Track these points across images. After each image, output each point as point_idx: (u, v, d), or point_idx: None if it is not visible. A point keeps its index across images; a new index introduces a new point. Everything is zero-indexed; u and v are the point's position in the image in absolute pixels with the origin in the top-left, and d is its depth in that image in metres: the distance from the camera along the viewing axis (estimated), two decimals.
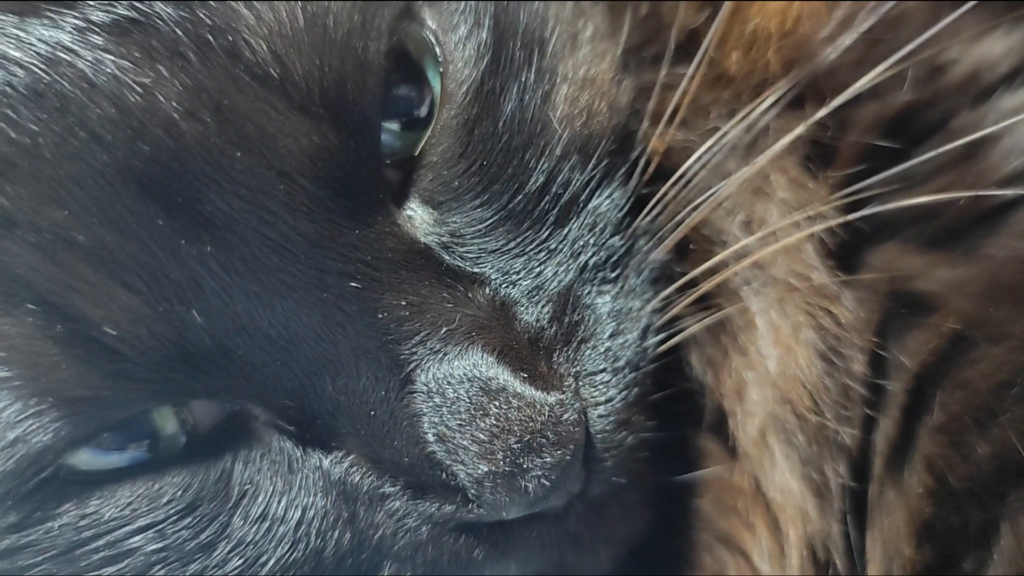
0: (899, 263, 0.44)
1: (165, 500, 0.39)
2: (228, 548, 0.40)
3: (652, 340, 0.44)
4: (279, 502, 0.40)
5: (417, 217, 0.41)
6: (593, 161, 0.44)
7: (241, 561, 0.40)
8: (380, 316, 0.39)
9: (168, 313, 0.36)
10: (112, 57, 0.34)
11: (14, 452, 0.36)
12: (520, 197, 0.42)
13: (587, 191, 0.44)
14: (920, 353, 0.43)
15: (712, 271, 0.44)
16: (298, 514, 0.40)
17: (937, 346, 0.42)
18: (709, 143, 0.44)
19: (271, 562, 0.40)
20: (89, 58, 0.34)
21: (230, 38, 0.35)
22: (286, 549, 0.40)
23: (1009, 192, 0.42)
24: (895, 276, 0.44)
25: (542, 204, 0.43)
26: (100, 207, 0.35)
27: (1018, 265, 0.42)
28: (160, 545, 0.39)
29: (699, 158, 0.44)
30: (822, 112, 0.43)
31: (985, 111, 0.44)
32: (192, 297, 0.36)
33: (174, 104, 0.35)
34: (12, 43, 0.34)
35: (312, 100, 0.36)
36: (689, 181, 0.44)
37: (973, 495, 0.40)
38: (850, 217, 0.43)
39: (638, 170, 0.45)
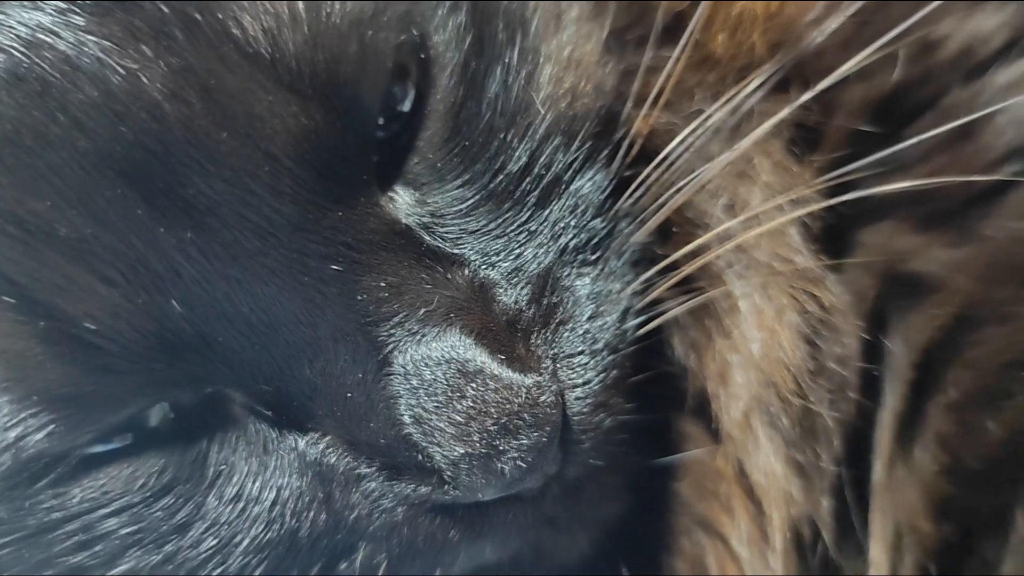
0: (893, 243, 0.44)
1: (140, 483, 0.39)
2: (202, 529, 0.40)
3: (632, 323, 0.44)
4: (254, 482, 0.40)
5: (399, 198, 0.41)
6: (576, 143, 0.43)
7: (215, 541, 0.40)
8: (359, 298, 0.38)
9: (147, 304, 0.36)
10: (94, 38, 0.34)
11: (6, 459, 0.36)
12: (502, 177, 0.42)
13: (569, 172, 0.43)
14: (927, 329, 0.42)
15: (694, 254, 0.44)
16: (273, 494, 0.40)
17: (944, 324, 0.42)
18: (693, 126, 0.44)
19: (245, 542, 0.40)
20: (71, 40, 0.34)
21: (219, 15, 0.35)
22: (260, 529, 0.40)
23: (997, 177, 0.42)
24: (890, 256, 0.43)
25: (523, 185, 0.42)
26: (80, 198, 0.34)
27: (1018, 246, 0.41)
28: (135, 528, 0.39)
29: (682, 140, 0.44)
30: (806, 96, 0.43)
31: (979, 87, 0.43)
32: (171, 286, 0.36)
33: (159, 85, 0.34)
34: None
35: (303, 80, 0.36)
36: (672, 163, 0.44)
37: (987, 477, 0.40)
38: (833, 201, 0.43)
39: (621, 152, 0.45)
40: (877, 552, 0.43)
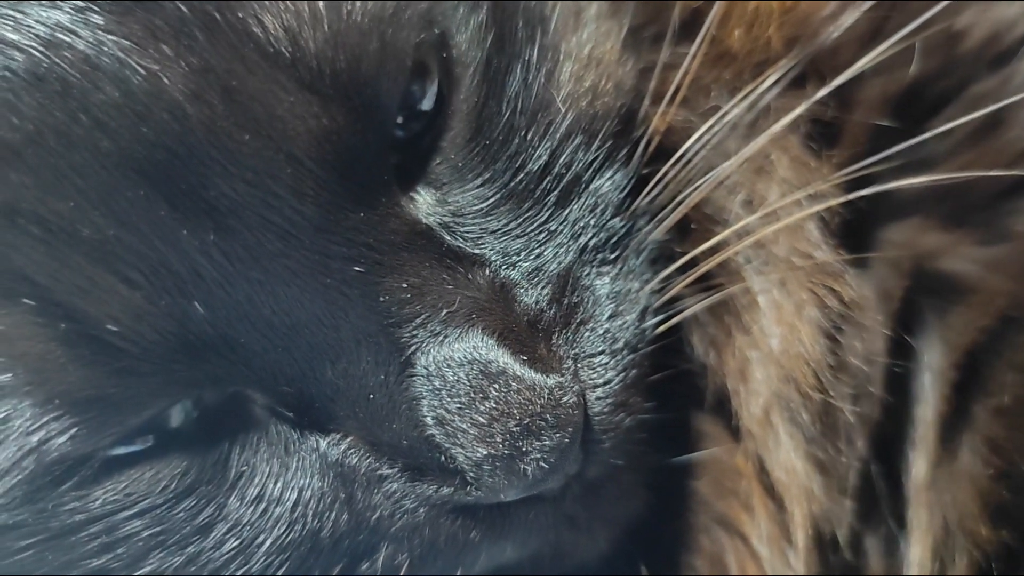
0: (920, 241, 0.43)
1: (163, 485, 0.38)
2: (224, 530, 0.39)
3: (651, 321, 0.44)
4: (275, 484, 0.40)
5: (420, 199, 0.40)
6: (597, 142, 0.43)
7: (237, 542, 0.39)
8: (381, 299, 0.38)
9: (169, 306, 0.36)
10: (114, 37, 0.33)
11: (29, 463, 0.36)
12: (522, 176, 0.42)
13: (590, 172, 0.43)
14: (969, 331, 0.42)
15: (713, 250, 0.44)
16: (294, 495, 0.40)
17: (987, 325, 0.42)
18: (710, 122, 0.44)
19: (267, 543, 0.40)
20: (90, 39, 0.33)
21: (240, 14, 0.34)
22: (282, 530, 0.40)
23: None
24: (918, 254, 0.43)
25: (544, 184, 0.42)
26: (103, 199, 0.34)
27: None
28: (157, 529, 0.38)
29: (700, 137, 0.44)
30: (823, 91, 0.43)
31: (1006, 75, 0.43)
32: (193, 288, 0.36)
33: (180, 86, 0.34)
34: (9, 25, 0.33)
35: (323, 80, 0.35)
36: (690, 161, 0.44)
37: None
38: (852, 196, 0.42)
39: (639, 151, 0.44)
40: (919, 551, 0.43)
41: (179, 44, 0.34)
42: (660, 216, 0.44)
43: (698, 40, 0.44)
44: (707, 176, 0.43)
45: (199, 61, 0.34)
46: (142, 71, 0.33)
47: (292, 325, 0.37)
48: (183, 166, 0.34)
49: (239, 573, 0.40)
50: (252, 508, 0.40)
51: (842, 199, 0.43)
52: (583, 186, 0.43)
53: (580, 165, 0.43)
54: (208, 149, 0.34)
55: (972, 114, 0.41)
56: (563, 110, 0.42)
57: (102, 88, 0.33)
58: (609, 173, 0.43)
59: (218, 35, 0.34)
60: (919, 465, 0.43)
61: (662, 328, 0.44)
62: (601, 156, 0.43)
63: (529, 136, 0.41)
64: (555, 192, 0.42)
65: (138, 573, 0.39)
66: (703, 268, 0.44)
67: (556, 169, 0.42)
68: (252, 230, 0.36)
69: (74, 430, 0.36)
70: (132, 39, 0.34)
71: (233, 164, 0.35)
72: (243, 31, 0.35)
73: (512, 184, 0.41)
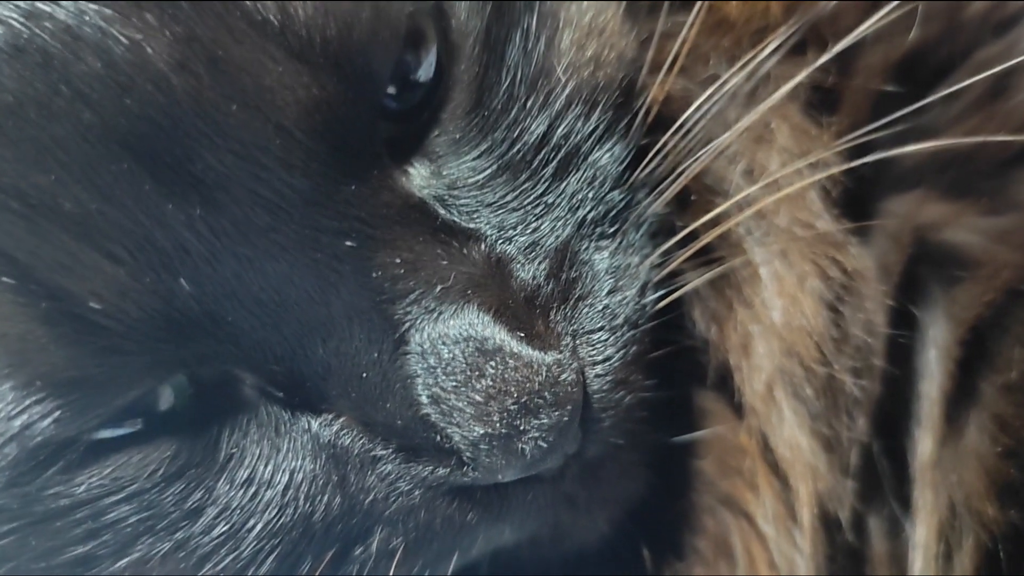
0: (923, 211, 0.42)
1: (151, 469, 0.37)
2: (214, 514, 0.38)
3: (651, 296, 0.43)
4: (266, 466, 0.39)
5: (414, 171, 0.40)
6: (597, 113, 0.42)
7: (227, 527, 0.38)
8: (374, 275, 0.37)
9: (155, 283, 0.35)
10: (95, 6, 0.32)
11: (12, 450, 0.35)
12: (519, 147, 0.40)
13: (589, 143, 0.42)
14: (974, 305, 0.41)
15: (713, 223, 0.43)
16: (286, 478, 0.39)
17: (992, 299, 0.41)
18: (709, 91, 0.43)
19: (258, 527, 0.39)
20: (71, 8, 0.32)
21: None
22: (273, 514, 0.39)
23: None
24: (919, 225, 0.42)
25: (541, 156, 0.41)
26: (85, 172, 0.33)
27: None
28: (145, 515, 0.38)
29: (699, 106, 0.43)
30: (823, 58, 0.42)
31: (1012, 38, 0.42)
32: (179, 264, 0.35)
33: (165, 56, 0.33)
34: None
35: (313, 49, 0.34)
36: (689, 130, 0.43)
37: None
38: (854, 163, 0.41)
39: (637, 121, 0.43)
40: (924, 532, 0.42)
41: (163, 13, 0.33)
42: (660, 188, 0.43)
43: (696, 8, 0.43)
44: (707, 146, 0.42)
45: (184, 30, 0.33)
46: (125, 41, 0.32)
47: (281, 302, 0.36)
48: (168, 138, 0.33)
49: (229, 558, 0.39)
50: (242, 491, 0.39)
51: (843, 167, 0.42)
52: (582, 158, 0.42)
53: (579, 136, 0.42)
54: (194, 120, 0.33)
55: (976, 76, 0.40)
56: (563, 79, 0.41)
57: (84, 59, 0.32)
58: (608, 145, 0.42)
59: (204, 4, 0.33)
60: (924, 444, 0.42)
61: (663, 303, 0.43)
62: (601, 127, 0.42)
63: (528, 105, 0.40)
64: (553, 164, 0.41)
65: (124, 560, 0.38)
66: (704, 240, 0.43)
67: (554, 140, 0.41)
68: (240, 204, 0.35)
69: (58, 413, 0.35)
70: (114, 8, 0.32)
71: (220, 136, 0.34)
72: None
73: (509, 156, 0.40)
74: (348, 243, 0.37)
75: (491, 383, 0.38)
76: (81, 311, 0.34)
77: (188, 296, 0.35)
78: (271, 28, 0.34)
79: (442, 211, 0.40)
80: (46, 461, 0.36)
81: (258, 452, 0.39)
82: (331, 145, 0.36)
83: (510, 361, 0.38)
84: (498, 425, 0.37)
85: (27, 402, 0.34)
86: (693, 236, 0.43)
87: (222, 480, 0.38)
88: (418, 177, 0.39)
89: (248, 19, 0.34)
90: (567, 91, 0.41)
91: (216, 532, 0.38)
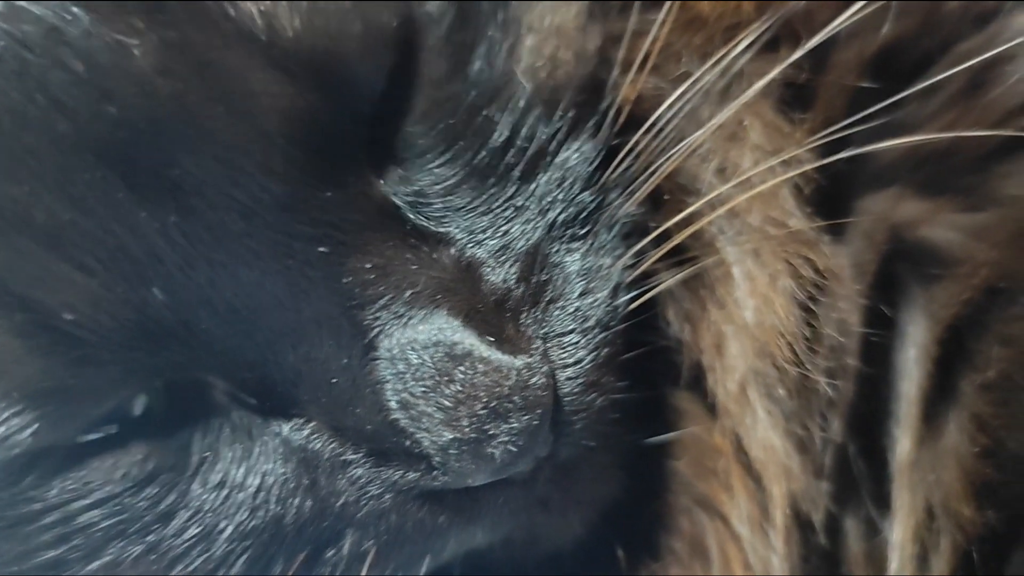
0: (898, 209, 0.42)
1: (122, 473, 0.38)
2: (186, 517, 0.38)
3: (623, 298, 0.42)
4: (238, 469, 0.39)
5: (385, 178, 0.40)
6: (559, 112, 0.42)
7: (199, 529, 0.39)
8: (344, 281, 0.37)
9: (128, 293, 0.35)
10: (81, 7, 0.32)
11: None
12: (484, 153, 0.40)
13: (554, 144, 0.42)
14: (952, 304, 0.41)
15: (686, 222, 0.42)
16: (257, 481, 0.39)
17: (970, 297, 0.41)
18: (681, 89, 0.42)
19: (230, 529, 0.39)
20: (57, 8, 0.32)
21: None
22: (245, 516, 0.39)
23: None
24: (896, 223, 0.42)
25: (507, 159, 0.41)
26: (58, 183, 0.33)
27: None
28: (117, 519, 0.38)
29: (671, 105, 0.42)
30: (796, 54, 0.41)
31: (993, 31, 0.41)
32: (152, 273, 0.35)
33: (151, 59, 0.33)
34: None
35: (300, 61, 0.35)
36: (661, 129, 0.42)
37: None
38: (827, 160, 0.41)
39: (608, 120, 0.43)
40: (901, 531, 0.41)
41: (151, 17, 0.33)
42: (632, 188, 0.43)
43: (667, 5, 0.42)
44: (679, 145, 0.42)
45: (173, 34, 0.33)
46: (111, 44, 0.33)
47: (254, 308, 0.37)
48: (147, 143, 0.33)
49: (200, 560, 0.39)
50: (215, 494, 0.39)
51: (816, 164, 0.41)
52: (548, 159, 0.42)
53: (543, 137, 0.41)
54: (176, 124, 0.33)
55: (954, 68, 0.40)
56: (523, 82, 0.41)
57: (65, 62, 0.32)
58: (576, 145, 0.42)
59: (194, 9, 0.33)
60: (903, 443, 0.42)
61: (635, 304, 0.43)
62: (565, 127, 0.42)
63: (491, 112, 0.40)
64: (519, 167, 0.41)
65: (96, 562, 0.38)
66: (676, 240, 0.42)
67: (518, 142, 0.41)
68: (216, 209, 0.35)
69: (36, 425, 0.35)
70: (101, 10, 0.33)
71: (201, 140, 0.34)
72: (218, 8, 0.34)
73: (475, 161, 0.40)
74: (321, 249, 0.37)
75: (460, 388, 0.37)
76: (55, 322, 0.34)
77: (161, 305, 0.35)
78: (260, 38, 0.34)
79: (412, 216, 0.40)
80: (23, 470, 0.36)
81: (231, 456, 0.39)
82: (312, 152, 0.36)
83: (479, 366, 0.38)
84: (467, 430, 0.37)
85: (5, 414, 0.35)
86: (666, 236, 0.43)
87: (195, 483, 0.39)
88: (389, 184, 0.40)
89: (238, 28, 0.34)
90: (527, 94, 0.41)
91: (188, 534, 0.39)
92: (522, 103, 0.41)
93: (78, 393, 0.36)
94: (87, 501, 0.37)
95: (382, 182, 0.39)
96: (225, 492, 0.39)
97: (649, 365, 0.44)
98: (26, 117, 0.32)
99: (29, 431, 0.35)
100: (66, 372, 0.35)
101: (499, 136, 0.40)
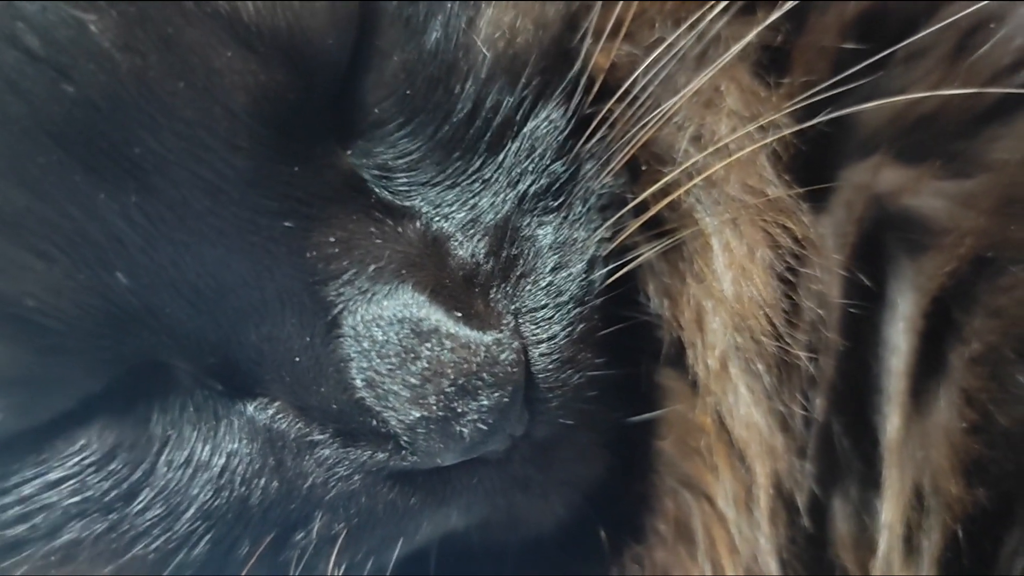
0: (879, 177, 0.40)
1: (85, 453, 0.37)
2: (149, 496, 0.38)
3: (600, 272, 0.41)
4: (203, 447, 0.38)
5: (349, 152, 0.39)
6: (523, 80, 0.40)
7: (162, 509, 0.38)
8: (308, 256, 0.37)
9: (90, 279, 0.34)
10: None
11: None
12: (447, 125, 0.39)
13: (520, 113, 0.41)
14: (936, 276, 0.39)
15: (664, 192, 0.41)
16: (222, 460, 0.38)
17: (956, 268, 0.39)
18: (655, 55, 0.41)
19: (192, 508, 0.38)
20: None
21: None
22: (209, 495, 0.38)
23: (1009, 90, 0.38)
24: (878, 192, 0.40)
25: (472, 131, 0.40)
26: (12, 167, 0.32)
27: None
28: (78, 498, 0.37)
29: (645, 71, 0.41)
30: (773, 16, 0.39)
31: None
32: (115, 257, 0.34)
33: (111, 35, 0.32)
34: None
35: (262, 35, 0.34)
36: (636, 97, 0.41)
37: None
38: (805, 125, 0.39)
39: (579, 89, 0.42)
40: (891, 512, 0.40)
41: None
42: (607, 158, 0.42)
43: None
44: (655, 113, 0.41)
45: (133, 9, 0.32)
46: (67, 19, 0.32)
47: (217, 288, 0.36)
48: (106, 122, 0.33)
49: (162, 539, 0.38)
50: (179, 472, 0.38)
51: (794, 128, 0.40)
52: (515, 129, 0.41)
53: (508, 107, 0.40)
54: (137, 101, 0.33)
55: (940, 23, 0.38)
56: (484, 52, 0.40)
57: (20, 40, 0.32)
58: (544, 114, 0.41)
59: None
60: (893, 420, 0.40)
61: (613, 278, 0.41)
62: (531, 96, 0.41)
63: (451, 84, 0.39)
64: (485, 138, 0.40)
65: (57, 541, 0.37)
66: (653, 211, 0.41)
67: (483, 113, 0.40)
68: (179, 187, 0.34)
69: (3, 415, 0.35)
70: None
71: (164, 116, 0.33)
72: None
73: (440, 133, 0.39)
74: (286, 223, 0.36)
75: (427, 365, 0.37)
76: (18, 311, 0.34)
77: (125, 290, 0.35)
78: (224, 14, 0.33)
79: (377, 190, 0.39)
80: None
81: (195, 435, 0.38)
82: (277, 126, 0.35)
83: (446, 342, 0.37)
84: (435, 408, 0.37)
85: None
86: (644, 207, 0.41)
87: (160, 462, 0.38)
88: (354, 158, 0.39)
89: (199, 5, 0.33)
90: (488, 64, 0.40)
91: (151, 514, 0.38)
92: (484, 73, 0.40)
93: (47, 382, 0.35)
94: (48, 479, 0.37)
95: (349, 153, 0.39)
96: (190, 471, 0.38)
97: (630, 341, 0.43)
98: None
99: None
100: (34, 360, 0.34)
101: (462, 108, 0.39)
